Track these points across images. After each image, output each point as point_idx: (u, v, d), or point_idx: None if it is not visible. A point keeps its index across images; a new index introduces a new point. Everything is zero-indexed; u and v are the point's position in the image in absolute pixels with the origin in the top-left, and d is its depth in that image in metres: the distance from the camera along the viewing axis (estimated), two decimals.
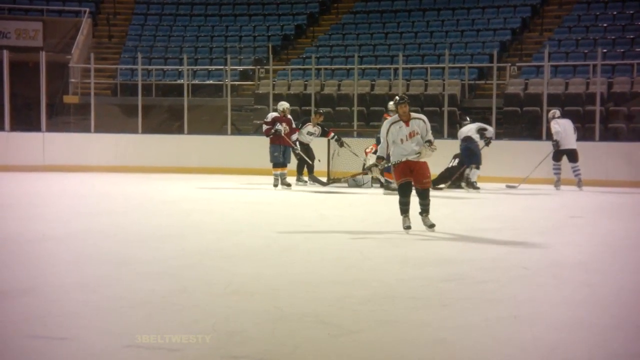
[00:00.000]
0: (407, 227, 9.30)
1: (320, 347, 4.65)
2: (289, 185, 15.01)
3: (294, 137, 15.57)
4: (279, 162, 15.13)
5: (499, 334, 4.93)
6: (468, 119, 15.96)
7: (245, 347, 4.62)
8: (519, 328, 5.09)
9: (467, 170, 15.11)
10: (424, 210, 9.47)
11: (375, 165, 9.67)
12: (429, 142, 9.41)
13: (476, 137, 15.19)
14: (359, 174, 15.51)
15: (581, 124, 17.83)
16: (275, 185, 15.00)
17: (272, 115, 15.44)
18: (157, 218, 10.79)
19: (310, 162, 15.93)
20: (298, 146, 15.72)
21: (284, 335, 4.87)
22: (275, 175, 15.09)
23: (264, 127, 15.32)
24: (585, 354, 4.55)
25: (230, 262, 7.30)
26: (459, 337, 4.87)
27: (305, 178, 16.03)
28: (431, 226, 9.34)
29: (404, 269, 7.03)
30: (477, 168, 15.14)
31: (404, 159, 9.33)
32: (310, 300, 5.79)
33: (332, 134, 15.96)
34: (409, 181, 9.39)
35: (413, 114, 9.51)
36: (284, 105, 15.51)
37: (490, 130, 15.57)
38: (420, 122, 9.49)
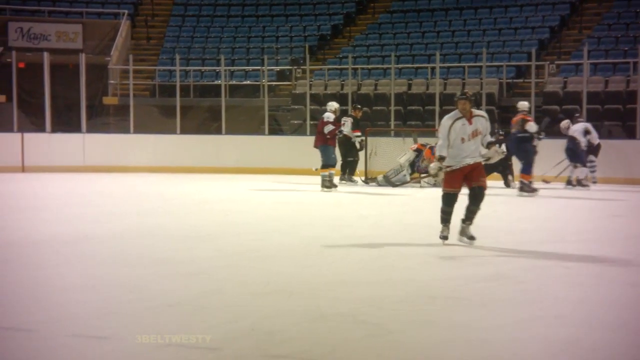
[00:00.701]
0: (444, 238, 8.35)
1: (359, 347, 4.65)
2: (335, 186, 14.81)
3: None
4: (334, 163, 14.89)
5: (539, 334, 4.89)
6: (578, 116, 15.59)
7: (284, 346, 4.63)
8: (559, 328, 5.05)
9: (573, 169, 14.88)
10: (469, 218, 8.34)
11: (440, 168, 8.39)
12: (493, 143, 8.43)
13: (582, 138, 14.88)
14: (424, 176, 15.11)
15: (622, 122, 17.62)
16: (331, 186, 14.61)
17: (331, 115, 15.00)
18: (195, 218, 10.85)
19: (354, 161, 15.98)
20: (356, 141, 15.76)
21: (323, 335, 4.87)
22: (329, 175, 14.70)
23: (330, 127, 14.85)
24: (626, 355, 4.50)
25: (269, 262, 7.32)
26: (499, 336, 4.84)
27: (356, 178, 15.99)
28: (471, 238, 8.27)
29: (443, 269, 7.00)
30: (584, 166, 14.86)
31: (461, 165, 8.24)
32: (349, 299, 5.79)
33: (358, 133, 15.91)
34: (457, 193, 8.44)
35: (474, 111, 8.38)
36: (335, 105, 15.26)
37: (594, 135, 15.20)
38: (483, 120, 8.34)
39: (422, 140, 16.59)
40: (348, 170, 16.07)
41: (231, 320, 5.18)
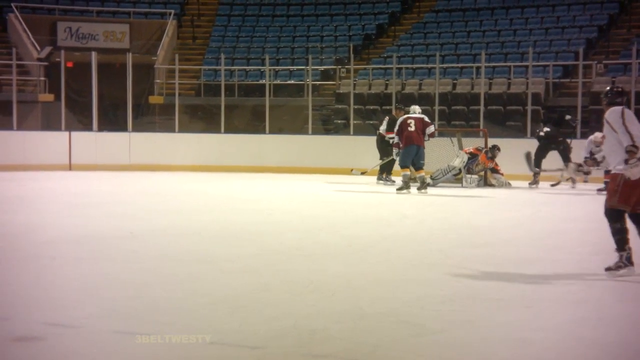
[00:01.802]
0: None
1: (401, 346, 4.64)
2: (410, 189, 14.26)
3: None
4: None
5: (583, 336, 4.84)
6: None
7: (326, 345, 4.64)
8: (604, 330, 4.99)
9: None
10: None
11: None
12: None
13: None
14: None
15: None
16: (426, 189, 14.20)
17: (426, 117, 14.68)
18: (239, 217, 10.91)
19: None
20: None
21: (365, 334, 4.87)
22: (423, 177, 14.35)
23: (434, 128, 14.61)
24: None
25: (311, 261, 7.34)
26: (542, 337, 4.79)
27: (393, 178, 15.93)
28: None
29: (486, 269, 6.95)
30: None
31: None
32: (391, 299, 5.78)
33: (391, 135, 15.64)
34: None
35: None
36: (418, 108, 14.77)
37: None
38: None
39: (466, 141, 16.49)
40: (386, 170, 16.00)
41: (273, 318, 5.20)
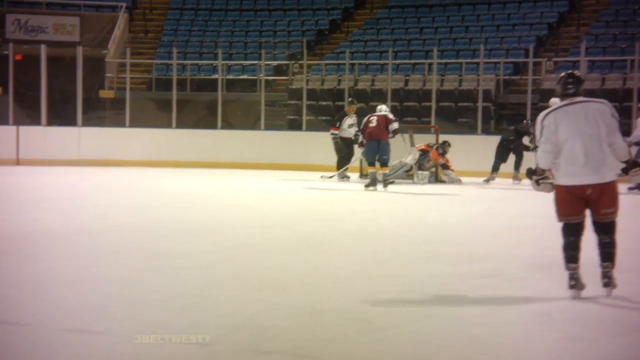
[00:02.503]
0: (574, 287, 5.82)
1: (352, 343, 4.65)
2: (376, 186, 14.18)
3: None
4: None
5: (531, 332, 4.90)
6: None
7: (277, 342, 4.63)
8: (552, 326, 5.06)
9: None
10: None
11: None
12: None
13: None
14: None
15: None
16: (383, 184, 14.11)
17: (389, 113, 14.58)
18: (191, 212, 10.85)
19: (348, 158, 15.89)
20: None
21: (316, 330, 4.88)
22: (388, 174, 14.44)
23: (397, 125, 14.38)
24: (618, 352, 4.51)
25: (263, 257, 7.33)
26: (491, 333, 4.84)
27: (349, 174, 15.98)
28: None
29: (437, 266, 7.00)
30: None
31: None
32: (342, 295, 5.79)
33: (337, 131, 15.87)
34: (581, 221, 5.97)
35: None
36: (385, 107, 14.89)
37: None
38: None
39: (417, 137, 16.58)
40: (341, 167, 16.01)
41: (225, 315, 5.18)
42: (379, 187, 13.95)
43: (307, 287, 6.04)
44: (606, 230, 5.94)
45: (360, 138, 14.66)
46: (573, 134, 5.77)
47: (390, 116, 14.40)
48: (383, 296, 5.77)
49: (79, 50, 20.27)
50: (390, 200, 12.93)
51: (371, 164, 14.19)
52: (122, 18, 25.30)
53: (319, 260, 7.23)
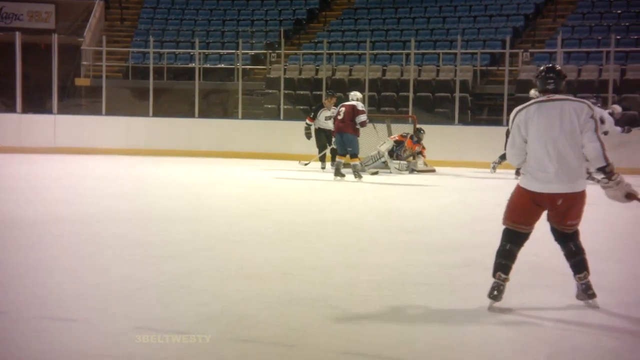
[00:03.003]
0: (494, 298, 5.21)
1: (330, 331, 4.66)
2: (361, 176, 14.13)
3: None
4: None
5: (507, 321, 4.93)
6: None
7: (255, 331, 4.63)
8: (528, 315, 5.09)
9: None
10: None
11: None
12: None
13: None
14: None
15: None
16: (360, 177, 14.00)
17: (361, 104, 14.35)
18: (169, 201, 10.81)
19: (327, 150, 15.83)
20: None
21: (294, 319, 4.88)
22: (361, 164, 14.40)
23: (364, 117, 14.09)
24: (593, 341, 4.55)
25: (242, 246, 7.32)
26: (468, 322, 4.87)
27: (326, 165, 15.93)
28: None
29: (415, 255, 7.03)
30: None
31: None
32: (320, 285, 5.80)
33: (311, 122, 15.85)
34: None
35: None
36: (358, 95, 14.69)
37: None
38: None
39: (395, 127, 16.62)
40: (320, 158, 16.03)
41: (202, 303, 5.17)
42: (350, 177, 13.95)
43: (285, 277, 6.05)
44: (571, 238, 5.40)
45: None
46: (544, 135, 5.09)
47: (360, 107, 14.23)
48: (361, 286, 5.79)
49: (55, 38, 20.10)
50: (368, 190, 12.95)
51: (341, 154, 14.23)
52: (98, 6, 25.11)
53: (297, 250, 7.23)
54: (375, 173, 15.03)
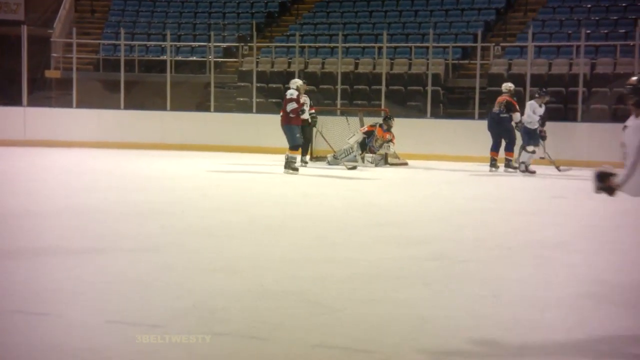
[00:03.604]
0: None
1: (303, 325, 4.67)
2: (297, 170, 13.90)
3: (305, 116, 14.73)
4: (300, 143, 14.22)
5: (480, 313, 4.97)
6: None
7: (228, 324, 4.63)
8: (500, 307, 5.14)
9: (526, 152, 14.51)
10: None
11: None
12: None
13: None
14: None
15: (564, 105, 17.89)
16: (296, 169, 13.80)
17: (294, 92, 14.13)
18: (140, 195, 10.75)
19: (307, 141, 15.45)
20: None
21: (267, 313, 4.88)
22: (294, 158, 13.92)
23: (293, 105, 13.90)
24: (564, 334, 4.59)
25: (213, 240, 7.31)
26: (441, 315, 4.90)
27: (306, 159, 15.55)
28: None
29: (387, 248, 7.05)
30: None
31: None
32: (293, 278, 5.81)
33: (313, 111, 15.68)
34: None
35: None
36: (298, 82, 14.57)
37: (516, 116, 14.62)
38: None
39: (368, 120, 16.63)
40: (302, 151, 15.66)
41: (175, 297, 5.16)
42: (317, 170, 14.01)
43: (258, 270, 6.05)
44: None
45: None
46: None
47: (289, 95, 14.10)
48: (334, 279, 5.80)
49: (24, 29, 19.89)
50: (341, 183, 12.97)
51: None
52: None
53: (270, 243, 7.23)
54: (353, 168, 14.93)
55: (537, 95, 14.63)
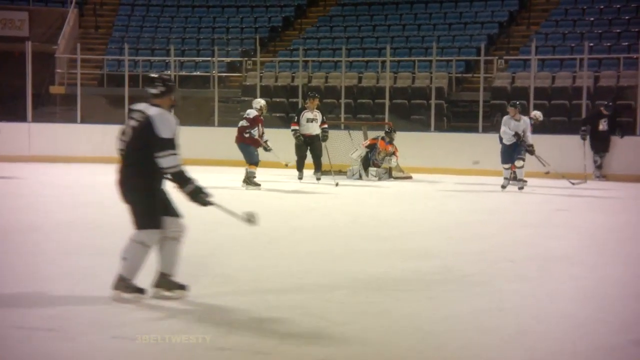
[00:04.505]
0: None
1: (307, 339, 4.66)
2: (259, 185, 13.97)
3: (265, 137, 14.52)
4: (258, 160, 14.19)
5: (484, 326, 4.96)
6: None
7: (232, 338, 4.62)
8: (504, 320, 5.12)
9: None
10: None
11: None
12: None
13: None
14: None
15: (567, 118, 17.89)
16: (258, 185, 13.90)
17: (252, 112, 14.21)
18: None
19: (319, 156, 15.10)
20: (269, 145, 14.63)
21: (270, 326, 4.88)
22: (253, 173, 14.03)
23: (244, 122, 14.11)
24: (569, 346, 4.58)
25: (217, 254, 7.30)
26: (445, 328, 4.89)
27: (318, 174, 15.07)
28: None
29: (391, 261, 7.04)
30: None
31: None
32: (297, 292, 5.80)
33: (326, 126, 15.22)
34: None
35: None
36: (261, 102, 14.55)
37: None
38: None
39: (371, 134, 16.63)
40: (315, 167, 15.20)
41: (178, 311, 5.15)
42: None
43: (261, 284, 6.04)
44: None
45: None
46: None
47: (245, 114, 14.32)
48: (337, 292, 5.79)
49: (28, 46, 19.96)
50: (344, 196, 12.96)
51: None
52: (72, 13, 24.93)
53: (273, 257, 7.23)
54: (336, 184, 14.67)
55: (508, 110, 14.21)
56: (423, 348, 4.52)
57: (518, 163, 13.78)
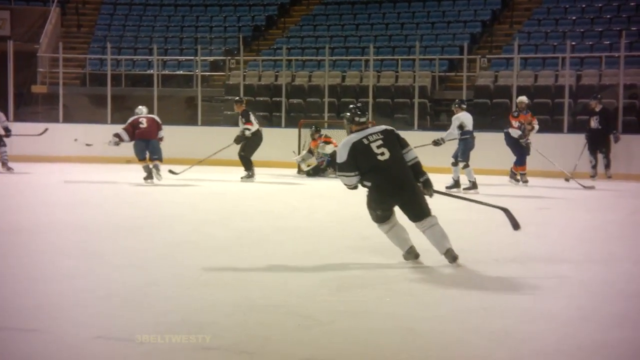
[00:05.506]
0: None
1: (291, 338, 4.66)
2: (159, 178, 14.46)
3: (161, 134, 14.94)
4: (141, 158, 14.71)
5: (468, 325, 4.96)
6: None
7: (217, 338, 4.61)
8: (489, 319, 5.13)
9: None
10: None
11: None
12: None
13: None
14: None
15: (550, 116, 17.97)
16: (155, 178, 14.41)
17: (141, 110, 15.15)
18: (128, 209, 10.72)
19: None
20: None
21: (255, 326, 4.87)
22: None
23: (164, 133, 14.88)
24: (553, 345, 4.60)
25: (202, 254, 7.28)
26: (429, 327, 4.90)
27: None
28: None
29: (374, 260, 7.05)
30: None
31: None
32: (282, 291, 5.80)
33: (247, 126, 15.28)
34: None
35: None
36: (144, 109, 15.21)
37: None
38: None
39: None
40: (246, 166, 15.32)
41: (163, 312, 5.14)
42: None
43: (246, 284, 6.03)
44: None
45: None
46: None
47: (159, 120, 14.97)
48: (322, 292, 5.79)
49: (10, 45, 19.86)
50: (327, 196, 12.97)
51: (142, 159, 14.50)
52: (54, 12, 24.80)
53: (257, 256, 7.21)
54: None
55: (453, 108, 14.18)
56: (408, 347, 4.53)
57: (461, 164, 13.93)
